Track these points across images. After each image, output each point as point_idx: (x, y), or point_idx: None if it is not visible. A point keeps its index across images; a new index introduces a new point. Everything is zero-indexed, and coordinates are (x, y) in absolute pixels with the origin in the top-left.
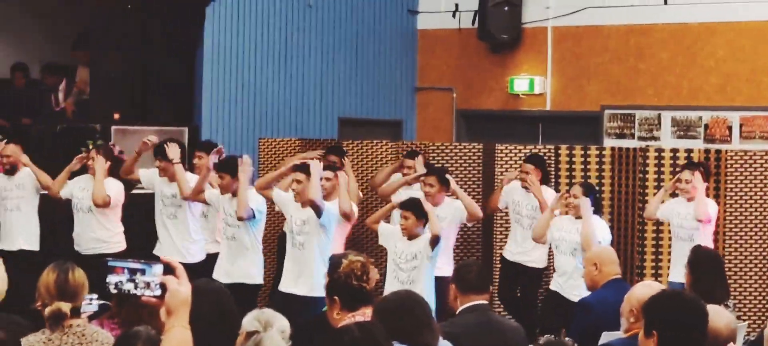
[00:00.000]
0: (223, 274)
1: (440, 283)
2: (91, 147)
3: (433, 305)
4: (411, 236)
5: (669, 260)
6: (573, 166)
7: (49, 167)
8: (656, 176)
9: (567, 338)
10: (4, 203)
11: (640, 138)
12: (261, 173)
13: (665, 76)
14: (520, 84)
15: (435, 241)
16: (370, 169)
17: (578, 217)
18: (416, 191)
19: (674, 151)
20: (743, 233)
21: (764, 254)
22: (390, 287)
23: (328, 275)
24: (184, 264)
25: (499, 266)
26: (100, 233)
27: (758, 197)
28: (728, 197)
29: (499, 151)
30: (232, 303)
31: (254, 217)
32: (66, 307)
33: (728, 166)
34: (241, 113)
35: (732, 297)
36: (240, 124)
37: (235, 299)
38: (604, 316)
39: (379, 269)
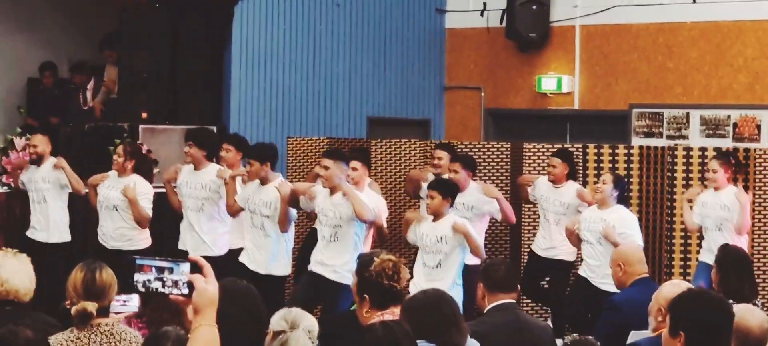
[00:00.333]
0: (249, 261)
1: (469, 272)
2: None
3: (460, 294)
4: (437, 216)
5: (697, 260)
6: (601, 165)
7: (77, 166)
8: (684, 175)
9: (590, 337)
10: (32, 194)
11: (669, 137)
12: (289, 172)
13: (694, 74)
14: (548, 83)
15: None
16: (398, 168)
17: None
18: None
19: (703, 150)
20: None
21: None
22: (417, 272)
23: (357, 274)
24: (208, 257)
25: (526, 260)
26: (125, 229)
27: None
28: (757, 196)
29: (527, 150)
30: (260, 302)
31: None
32: (92, 306)
33: (757, 164)
34: (269, 112)
35: (760, 296)
36: (268, 123)
37: (261, 289)
38: (631, 315)
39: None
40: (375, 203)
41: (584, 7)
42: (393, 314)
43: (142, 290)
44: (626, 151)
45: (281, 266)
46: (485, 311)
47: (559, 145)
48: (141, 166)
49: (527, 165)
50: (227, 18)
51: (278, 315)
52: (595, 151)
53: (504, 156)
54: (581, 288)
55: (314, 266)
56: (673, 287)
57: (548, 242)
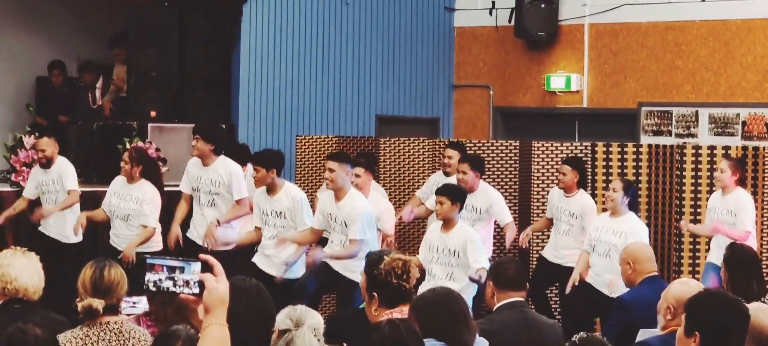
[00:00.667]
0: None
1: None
2: (128, 146)
3: (471, 296)
4: (446, 221)
5: (706, 258)
6: (610, 163)
7: (86, 165)
8: (693, 173)
9: (598, 334)
10: (43, 196)
11: (678, 135)
12: (297, 171)
13: (703, 72)
14: (557, 81)
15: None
16: (407, 166)
17: (615, 214)
18: (452, 180)
19: (712, 148)
20: None
21: None
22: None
23: (366, 272)
24: (217, 252)
25: (535, 263)
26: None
27: None
28: (766, 195)
29: (535, 149)
30: (270, 300)
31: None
32: (98, 303)
33: (766, 163)
34: (278, 111)
35: None
36: (276, 121)
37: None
38: (640, 313)
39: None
40: (379, 210)
41: (593, 5)
42: (402, 312)
43: (154, 289)
44: (635, 149)
45: (295, 271)
46: (494, 309)
47: (568, 144)
48: (148, 170)
49: (536, 164)
50: (236, 17)
51: (283, 313)
52: (604, 149)
53: (513, 155)
54: (584, 292)
55: (329, 260)
56: (683, 285)
57: (557, 251)
